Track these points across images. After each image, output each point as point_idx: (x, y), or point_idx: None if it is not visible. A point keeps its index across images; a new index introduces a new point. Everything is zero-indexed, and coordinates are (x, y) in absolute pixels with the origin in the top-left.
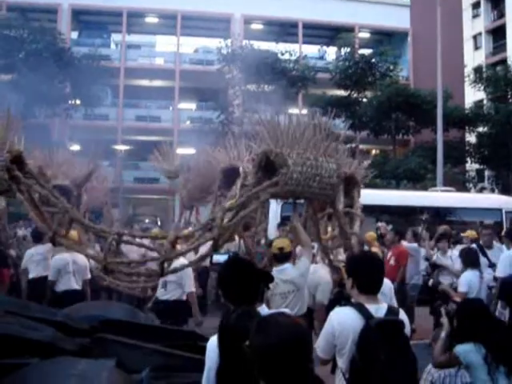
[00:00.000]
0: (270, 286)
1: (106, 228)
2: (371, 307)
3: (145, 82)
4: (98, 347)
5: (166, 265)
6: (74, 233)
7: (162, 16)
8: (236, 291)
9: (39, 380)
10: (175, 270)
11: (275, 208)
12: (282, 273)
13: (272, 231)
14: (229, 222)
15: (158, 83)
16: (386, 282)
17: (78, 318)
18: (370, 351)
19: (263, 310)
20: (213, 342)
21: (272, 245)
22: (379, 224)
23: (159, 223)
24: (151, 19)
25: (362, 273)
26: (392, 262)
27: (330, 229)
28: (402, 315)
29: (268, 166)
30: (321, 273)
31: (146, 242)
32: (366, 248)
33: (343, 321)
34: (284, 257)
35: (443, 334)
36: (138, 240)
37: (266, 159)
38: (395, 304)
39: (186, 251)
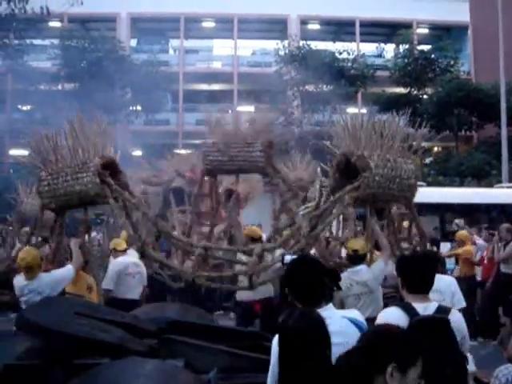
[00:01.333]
0: (344, 287)
1: (193, 242)
2: (419, 306)
3: (203, 86)
4: (166, 348)
5: (254, 278)
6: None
7: (218, 20)
8: (301, 290)
9: (109, 380)
10: (264, 283)
11: None
12: (356, 274)
13: None
14: (314, 230)
15: (216, 87)
16: (445, 278)
17: (145, 320)
18: None
19: (328, 310)
20: (276, 341)
21: (347, 246)
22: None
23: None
24: (208, 23)
25: (410, 273)
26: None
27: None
28: (454, 314)
29: (347, 169)
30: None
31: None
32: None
33: (386, 320)
34: (358, 258)
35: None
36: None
37: (346, 162)
38: (460, 301)
39: (271, 265)
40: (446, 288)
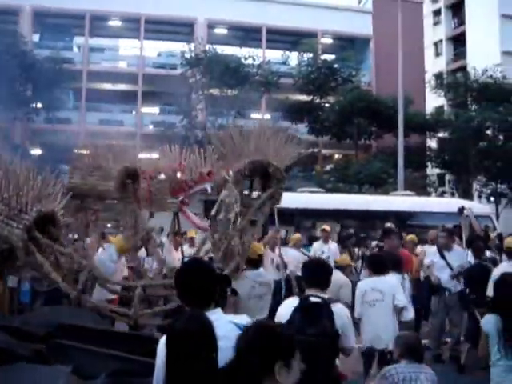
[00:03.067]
0: (248, 288)
1: (131, 282)
2: (312, 297)
3: (108, 86)
4: (54, 353)
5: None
6: None
7: (125, 19)
8: (189, 292)
9: None
10: None
11: None
12: (259, 276)
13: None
14: (242, 243)
15: (121, 87)
16: (388, 280)
17: (34, 324)
18: (293, 315)
19: (215, 314)
20: (163, 341)
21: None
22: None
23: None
24: (114, 22)
25: (307, 273)
26: None
27: None
28: (336, 305)
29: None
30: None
31: None
32: None
33: (286, 305)
34: (260, 261)
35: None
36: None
37: (261, 170)
38: (401, 301)
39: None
40: (387, 289)
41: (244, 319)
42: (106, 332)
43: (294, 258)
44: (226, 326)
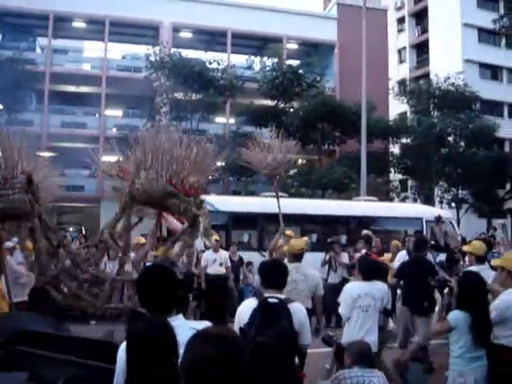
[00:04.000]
0: None
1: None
2: (270, 298)
3: (71, 88)
4: (11, 360)
5: None
6: None
7: (89, 21)
8: (151, 298)
9: None
10: None
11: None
12: None
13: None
14: None
15: (84, 89)
16: (378, 285)
17: None
18: (252, 316)
19: (177, 320)
20: (123, 347)
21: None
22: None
23: (84, 232)
24: (79, 24)
25: (265, 274)
26: None
27: None
28: (294, 305)
29: None
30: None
31: None
32: None
33: (244, 306)
34: None
35: (437, 308)
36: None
37: None
38: (387, 304)
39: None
40: (379, 295)
41: (206, 326)
42: (64, 338)
43: None
44: (188, 332)
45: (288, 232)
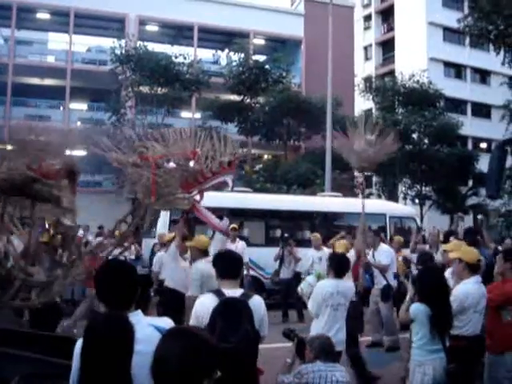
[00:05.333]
0: None
1: None
2: (227, 291)
3: (35, 80)
4: None
5: None
6: None
7: (54, 12)
8: (108, 292)
9: None
10: None
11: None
12: None
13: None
14: None
15: (48, 82)
16: (348, 283)
17: None
18: (213, 319)
19: (135, 316)
20: (80, 343)
21: None
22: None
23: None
24: (43, 15)
25: (221, 263)
26: None
27: None
28: (254, 300)
29: None
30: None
31: None
32: None
33: (202, 302)
34: None
35: (407, 297)
36: None
37: None
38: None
39: None
40: (349, 293)
41: (166, 322)
42: (22, 333)
43: None
44: (146, 329)
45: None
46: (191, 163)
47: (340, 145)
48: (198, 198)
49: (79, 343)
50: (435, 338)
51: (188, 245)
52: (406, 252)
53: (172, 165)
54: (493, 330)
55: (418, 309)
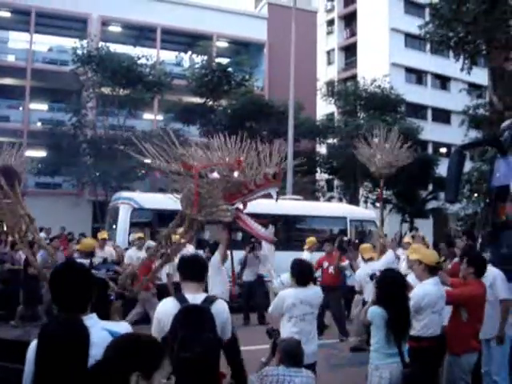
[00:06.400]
0: None
1: None
2: (190, 296)
3: None
4: None
5: None
6: None
7: (15, 11)
8: (64, 296)
9: None
10: None
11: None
12: None
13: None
14: None
15: (7, 81)
16: (315, 289)
17: None
18: (174, 327)
19: (90, 319)
20: (32, 347)
21: None
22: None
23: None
24: (3, 13)
25: (183, 267)
26: None
27: None
28: (217, 304)
29: None
30: None
31: None
32: None
33: (165, 306)
34: None
35: (370, 300)
36: None
37: None
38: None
39: None
40: (316, 301)
41: (122, 327)
42: None
43: None
44: (99, 332)
45: None
46: (235, 174)
47: (360, 152)
48: (241, 206)
49: (32, 347)
50: (390, 341)
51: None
52: None
53: (215, 175)
54: (452, 330)
55: (374, 312)
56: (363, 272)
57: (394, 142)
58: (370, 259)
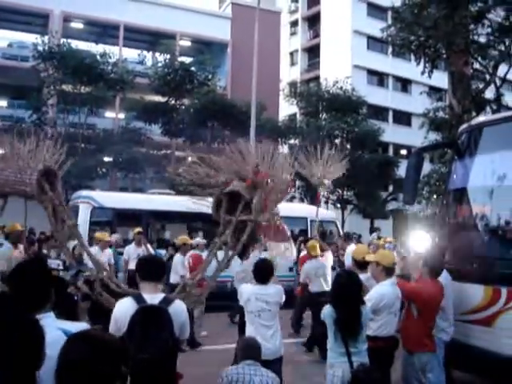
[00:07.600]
0: None
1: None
2: (148, 296)
3: None
4: None
5: None
6: None
7: None
8: (20, 293)
9: None
10: None
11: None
12: None
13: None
14: None
15: None
16: (276, 287)
17: None
18: (131, 328)
19: (46, 318)
20: None
21: None
22: None
23: None
24: None
25: (142, 267)
26: None
27: None
28: (175, 305)
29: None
30: None
31: None
32: None
33: (122, 305)
34: None
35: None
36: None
37: None
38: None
39: None
40: (273, 298)
41: (77, 327)
42: None
43: None
44: (53, 332)
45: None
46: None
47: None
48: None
49: None
50: (338, 340)
51: None
52: None
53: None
54: (405, 327)
55: (326, 311)
56: (311, 266)
57: (328, 156)
58: (316, 257)
